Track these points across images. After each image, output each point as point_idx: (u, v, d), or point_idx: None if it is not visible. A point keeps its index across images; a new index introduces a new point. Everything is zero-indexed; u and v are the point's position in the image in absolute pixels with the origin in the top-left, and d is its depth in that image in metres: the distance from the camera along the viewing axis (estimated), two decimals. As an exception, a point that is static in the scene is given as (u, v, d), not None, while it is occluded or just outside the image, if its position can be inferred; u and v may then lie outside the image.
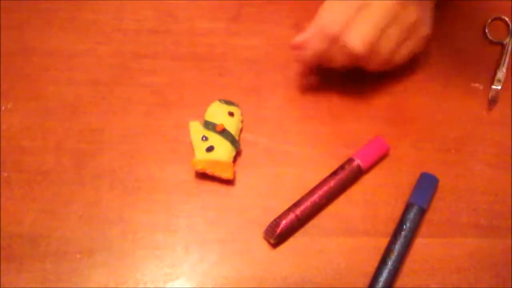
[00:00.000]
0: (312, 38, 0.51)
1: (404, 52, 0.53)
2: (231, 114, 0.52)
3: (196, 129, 0.51)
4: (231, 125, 0.52)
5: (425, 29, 0.53)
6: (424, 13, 0.52)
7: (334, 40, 0.49)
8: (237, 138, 0.52)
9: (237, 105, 0.54)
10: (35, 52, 0.58)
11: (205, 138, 0.50)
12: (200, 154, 0.50)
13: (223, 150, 0.50)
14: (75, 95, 0.55)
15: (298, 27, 0.60)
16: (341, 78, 0.56)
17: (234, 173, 0.50)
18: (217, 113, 0.52)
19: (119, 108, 0.54)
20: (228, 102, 0.53)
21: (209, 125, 0.51)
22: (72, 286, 0.46)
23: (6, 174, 0.50)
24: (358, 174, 0.50)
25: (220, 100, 0.53)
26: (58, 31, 0.59)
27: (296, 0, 0.62)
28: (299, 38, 0.52)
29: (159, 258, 0.47)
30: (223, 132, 0.51)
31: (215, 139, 0.50)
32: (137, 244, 0.47)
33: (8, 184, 0.50)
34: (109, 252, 0.47)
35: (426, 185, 0.50)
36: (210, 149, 0.50)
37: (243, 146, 0.52)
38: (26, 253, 0.47)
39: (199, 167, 0.49)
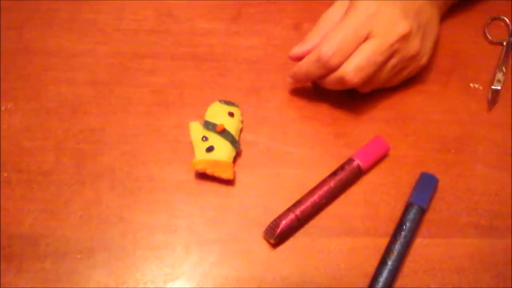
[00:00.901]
0: (309, 62, 0.51)
1: (399, 79, 0.54)
2: (231, 114, 0.52)
3: (196, 130, 0.51)
4: (231, 125, 0.52)
5: (424, 59, 0.53)
6: (426, 44, 0.52)
7: (331, 70, 0.50)
8: (237, 138, 0.52)
9: (237, 105, 0.54)
10: (35, 52, 0.58)
11: (205, 139, 0.50)
12: (200, 154, 0.50)
13: (223, 150, 0.50)
14: (75, 95, 0.55)
15: (298, 27, 0.60)
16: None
17: (234, 173, 0.50)
18: (217, 113, 0.52)
19: (119, 108, 0.54)
20: (228, 102, 0.53)
21: (209, 125, 0.51)
22: (72, 286, 0.45)
23: (6, 174, 0.50)
24: (358, 174, 0.50)
25: (220, 101, 0.53)
26: (58, 31, 0.59)
27: (296, 0, 0.62)
28: (297, 50, 0.52)
29: (159, 258, 0.47)
30: (223, 133, 0.51)
31: (215, 139, 0.50)
32: (137, 244, 0.47)
33: (8, 184, 0.50)
34: (109, 252, 0.47)
35: (426, 185, 0.50)
36: (210, 149, 0.50)
37: (243, 146, 0.52)
38: (26, 253, 0.47)
39: (199, 167, 0.49)
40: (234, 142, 0.51)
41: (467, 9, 0.61)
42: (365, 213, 0.49)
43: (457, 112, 0.55)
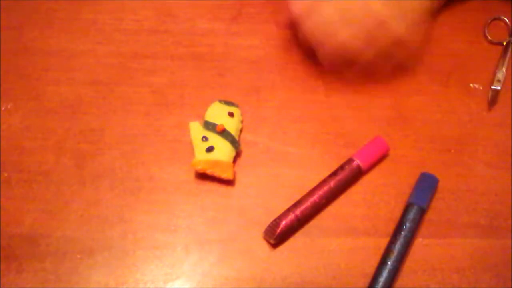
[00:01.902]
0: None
1: (371, 53, 0.51)
2: (231, 114, 0.52)
3: (196, 130, 0.51)
4: (231, 125, 0.52)
5: (396, 29, 0.50)
6: (396, 12, 0.49)
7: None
8: (237, 138, 0.52)
9: (237, 106, 0.54)
10: (35, 52, 0.58)
11: (205, 139, 0.50)
12: (200, 154, 0.50)
13: (223, 150, 0.50)
14: (75, 95, 0.55)
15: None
16: (341, 78, 0.56)
17: (234, 173, 0.50)
18: (217, 113, 0.52)
19: (119, 108, 0.54)
20: (228, 103, 0.53)
21: (209, 126, 0.51)
22: (72, 286, 0.46)
23: (6, 174, 0.50)
24: (358, 174, 0.50)
25: (220, 101, 0.53)
26: (58, 31, 0.59)
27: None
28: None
29: (159, 258, 0.47)
30: (223, 133, 0.51)
31: (215, 139, 0.50)
32: (137, 244, 0.47)
33: (8, 184, 0.50)
34: (109, 252, 0.47)
35: (426, 185, 0.50)
36: (210, 149, 0.50)
37: (243, 146, 0.52)
38: (26, 253, 0.47)
39: (199, 167, 0.49)
40: (234, 142, 0.51)
41: (467, 9, 0.61)
42: (365, 213, 0.49)
43: (457, 112, 0.55)
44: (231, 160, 0.50)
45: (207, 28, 0.60)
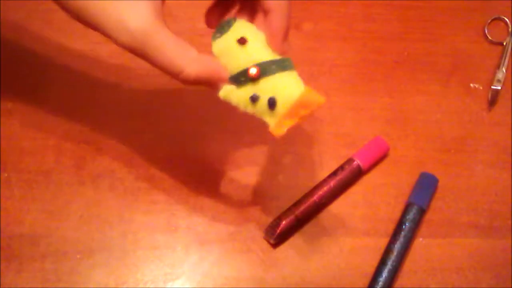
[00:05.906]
0: None
1: None
2: (241, 41, 0.38)
3: (235, 96, 0.38)
4: (256, 52, 0.38)
5: None
6: None
7: None
8: (274, 57, 0.38)
9: (235, 19, 0.40)
10: (35, 52, 0.58)
11: (255, 97, 0.37)
12: (269, 118, 0.38)
13: (285, 87, 0.37)
14: (75, 95, 0.55)
15: (298, 27, 0.60)
16: (341, 77, 0.56)
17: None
18: (228, 52, 0.39)
19: (119, 108, 0.54)
20: (223, 25, 0.39)
21: (241, 77, 0.37)
22: (72, 286, 0.45)
23: (6, 174, 0.50)
24: (358, 174, 0.50)
25: (214, 33, 0.40)
26: (58, 31, 0.59)
27: (296, 0, 0.62)
28: None
29: (159, 258, 0.47)
30: (263, 71, 0.37)
31: (262, 86, 0.37)
32: (137, 244, 0.47)
33: (8, 184, 0.50)
34: (109, 252, 0.47)
35: (426, 185, 0.50)
36: (272, 103, 0.37)
37: (243, 145, 0.52)
38: (26, 253, 0.47)
39: (285, 127, 0.38)
40: (282, 65, 0.37)
41: (467, 9, 0.61)
42: (365, 213, 0.49)
43: (457, 112, 0.55)
44: (302, 85, 0.38)
45: (207, 28, 0.60)
